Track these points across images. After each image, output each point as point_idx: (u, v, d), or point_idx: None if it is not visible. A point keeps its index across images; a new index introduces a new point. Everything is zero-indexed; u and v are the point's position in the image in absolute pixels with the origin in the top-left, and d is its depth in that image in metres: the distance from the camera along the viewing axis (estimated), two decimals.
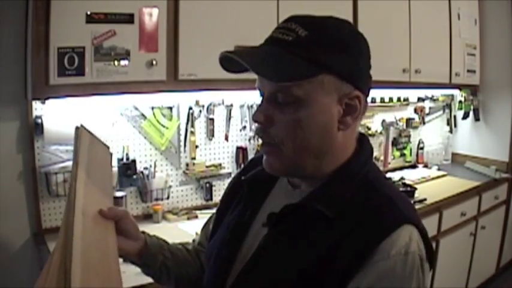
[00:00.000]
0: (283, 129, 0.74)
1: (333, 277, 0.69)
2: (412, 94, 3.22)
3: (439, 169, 3.21)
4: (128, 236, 0.89)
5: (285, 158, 0.75)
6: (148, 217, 2.10)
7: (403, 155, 3.26)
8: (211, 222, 1.00)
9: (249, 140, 2.38)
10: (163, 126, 2.09)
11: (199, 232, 1.88)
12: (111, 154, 0.99)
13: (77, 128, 0.87)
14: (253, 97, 2.25)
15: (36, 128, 1.77)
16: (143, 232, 0.95)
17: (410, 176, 2.94)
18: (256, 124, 0.77)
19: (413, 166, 3.31)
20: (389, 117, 3.12)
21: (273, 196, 0.86)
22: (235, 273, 0.80)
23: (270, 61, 0.72)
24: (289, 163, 0.76)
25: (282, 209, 0.77)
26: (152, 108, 2.06)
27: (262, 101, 0.76)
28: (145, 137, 2.08)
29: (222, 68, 0.78)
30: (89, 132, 0.88)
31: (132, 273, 1.18)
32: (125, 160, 2.00)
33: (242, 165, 2.13)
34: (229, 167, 2.34)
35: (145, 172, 2.07)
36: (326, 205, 0.74)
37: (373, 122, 3.04)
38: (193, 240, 1.08)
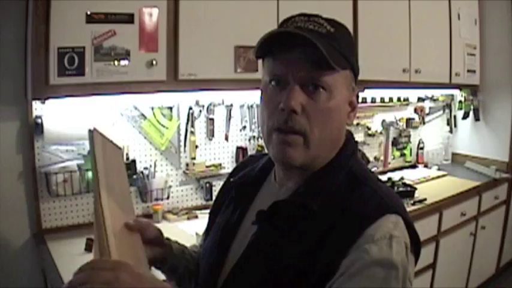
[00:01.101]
0: (314, 116, 0.75)
1: (321, 268, 0.69)
2: (412, 94, 3.22)
3: (439, 169, 3.21)
4: (154, 243, 0.89)
5: (308, 148, 0.76)
6: (148, 217, 2.09)
7: (403, 155, 3.26)
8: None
9: (249, 140, 2.38)
10: (163, 126, 2.09)
11: (199, 232, 1.89)
12: (122, 155, 0.97)
13: (90, 131, 0.85)
14: (253, 97, 2.25)
15: (36, 128, 1.77)
16: (167, 238, 0.96)
17: (410, 176, 2.94)
18: (279, 115, 0.75)
19: (413, 166, 3.31)
20: (389, 117, 3.12)
21: (261, 195, 0.88)
22: (226, 272, 0.82)
23: (325, 49, 0.72)
24: (310, 154, 0.77)
25: (270, 206, 0.79)
26: (152, 108, 2.06)
27: (292, 89, 0.74)
28: (145, 137, 2.08)
29: (258, 49, 0.77)
30: (101, 134, 0.86)
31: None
32: (125, 160, 1.99)
33: None
34: (229, 167, 2.34)
35: (145, 172, 2.07)
36: (312, 200, 0.75)
37: (373, 122, 3.04)
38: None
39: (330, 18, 0.79)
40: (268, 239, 0.78)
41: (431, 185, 2.85)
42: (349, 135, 0.85)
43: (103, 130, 0.87)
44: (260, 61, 0.82)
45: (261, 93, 0.80)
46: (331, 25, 0.77)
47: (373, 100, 2.94)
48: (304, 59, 0.73)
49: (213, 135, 2.27)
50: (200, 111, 2.22)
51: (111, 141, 0.96)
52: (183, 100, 2.15)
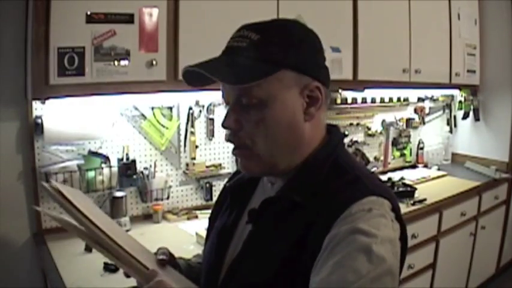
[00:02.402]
0: (252, 130, 0.78)
1: (309, 254, 0.70)
2: (412, 94, 3.22)
3: (439, 169, 3.21)
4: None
5: (258, 158, 0.79)
6: (148, 217, 2.10)
7: (403, 155, 3.26)
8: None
9: None
10: (163, 126, 2.09)
11: (199, 232, 1.89)
12: (83, 195, 0.94)
13: (44, 187, 0.80)
14: None
15: (36, 128, 1.77)
16: (180, 259, 0.98)
17: (410, 176, 2.93)
18: (226, 131, 0.81)
19: (413, 166, 3.31)
20: (389, 117, 3.12)
21: (256, 196, 0.90)
22: (224, 273, 0.83)
23: (229, 67, 0.76)
24: (264, 162, 0.79)
25: (260, 204, 0.81)
26: (152, 108, 2.06)
27: (228, 109, 0.80)
28: (145, 137, 2.08)
29: (186, 83, 0.84)
30: (54, 188, 0.78)
31: None
32: (124, 160, 2.00)
33: None
34: (229, 167, 2.34)
35: (145, 172, 2.06)
36: (299, 193, 0.77)
37: (373, 122, 3.04)
38: None
39: (263, 23, 0.80)
40: (261, 236, 0.79)
41: (431, 185, 2.85)
42: (332, 130, 0.86)
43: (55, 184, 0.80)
44: None
45: None
46: (257, 32, 0.77)
47: (373, 100, 2.93)
48: (227, 82, 0.78)
49: (213, 135, 2.27)
50: (200, 111, 2.22)
51: (73, 189, 0.94)
52: (183, 100, 2.15)
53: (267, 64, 0.75)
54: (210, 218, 1.01)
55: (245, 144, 0.79)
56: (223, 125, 0.80)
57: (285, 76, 0.76)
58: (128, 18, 1.66)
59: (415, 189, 2.56)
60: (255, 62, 0.75)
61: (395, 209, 0.76)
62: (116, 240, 0.73)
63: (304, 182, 0.79)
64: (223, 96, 0.83)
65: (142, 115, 2.05)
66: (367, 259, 0.65)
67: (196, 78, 0.80)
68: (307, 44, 0.81)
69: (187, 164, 2.21)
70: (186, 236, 1.89)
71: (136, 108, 2.03)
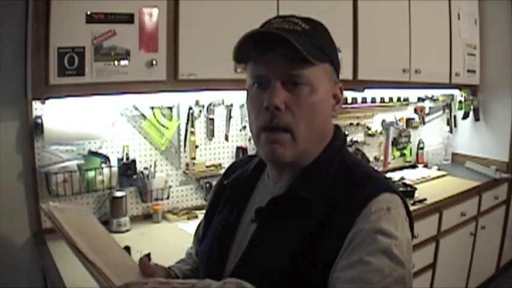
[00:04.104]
0: (299, 112, 0.76)
1: (324, 253, 0.71)
2: (412, 94, 3.22)
3: (439, 169, 3.21)
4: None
5: (295, 144, 0.77)
6: (148, 217, 2.10)
7: (403, 155, 3.26)
8: (200, 229, 1.03)
9: (249, 140, 2.37)
10: (163, 126, 2.09)
11: None
12: (89, 211, 0.96)
13: (43, 210, 0.83)
14: None
15: (36, 128, 1.77)
16: (169, 268, 0.98)
17: (410, 176, 2.94)
18: (266, 111, 0.76)
19: (413, 166, 3.31)
20: (389, 117, 3.12)
21: (257, 194, 0.89)
22: (229, 271, 0.82)
23: (295, 40, 0.73)
24: (299, 150, 0.78)
25: (268, 202, 0.80)
26: (152, 108, 2.06)
27: (275, 88, 0.76)
28: (145, 137, 2.08)
29: (236, 53, 0.79)
30: (58, 207, 0.83)
31: None
32: (124, 160, 2.00)
33: None
34: None
35: (145, 172, 2.06)
36: (308, 191, 0.77)
37: (373, 122, 3.04)
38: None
39: (306, 17, 0.81)
40: (269, 235, 0.79)
41: (431, 185, 2.85)
42: (337, 128, 0.88)
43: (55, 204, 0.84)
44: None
45: (247, 97, 0.84)
46: (306, 23, 0.79)
47: (373, 100, 2.94)
48: (282, 57, 0.75)
49: (213, 135, 2.27)
50: (200, 111, 2.22)
51: (70, 207, 0.97)
52: (183, 100, 2.15)
53: (319, 52, 0.77)
54: (205, 215, 1.00)
55: (289, 126, 0.76)
56: (270, 104, 0.75)
57: (329, 69, 0.81)
58: (128, 18, 1.66)
59: (415, 189, 2.56)
60: (314, 47, 0.76)
61: (406, 205, 0.78)
62: (95, 262, 0.76)
63: (314, 180, 0.79)
64: (260, 73, 0.78)
65: (142, 115, 2.05)
66: (389, 259, 0.67)
67: (246, 52, 0.78)
68: (335, 47, 0.85)
69: (187, 164, 2.21)
70: (186, 236, 1.88)
71: (136, 108, 2.03)
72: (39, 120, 1.76)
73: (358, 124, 2.92)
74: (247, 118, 2.57)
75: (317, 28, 0.81)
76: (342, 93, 0.84)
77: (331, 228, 0.72)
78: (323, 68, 0.78)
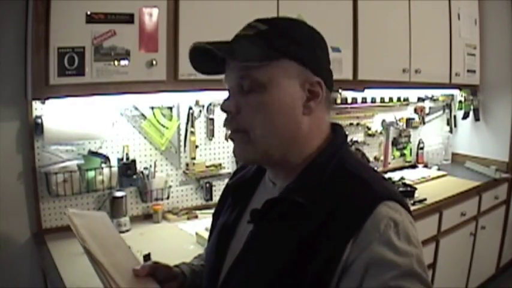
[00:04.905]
0: (250, 114, 0.78)
1: (318, 262, 0.69)
2: (412, 94, 3.22)
3: (439, 169, 3.21)
4: (167, 279, 0.91)
5: (253, 144, 0.79)
6: (148, 217, 2.10)
7: (403, 155, 3.26)
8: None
9: None
10: (163, 126, 2.09)
11: (199, 232, 1.89)
12: (107, 216, 1.01)
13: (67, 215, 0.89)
14: None
15: (36, 128, 1.77)
16: (177, 266, 0.98)
17: (410, 176, 2.94)
18: (225, 116, 0.81)
19: (413, 166, 3.31)
20: (389, 117, 3.12)
21: (258, 195, 0.89)
22: (225, 273, 0.82)
23: (235, 47, 0.77)
24: (258, 149, 0.79)
25: (263, 204, 0.80)
26: (152, 108, 2.06)
27: (229, 94, 0.81)
28: (145, 137, 2.09)
29: (192, 67, 0.84)
30: (77, 213, 0.90)
31: None
32: (124, 160, 2.00)
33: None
34: (229, 167, 2.34)
35: (145, 172, 2.06)
36: (302, 195, 0.76)
37: (373, 122, 3.04)
38: None
39: (272, 18, 0.82)
40: (263, 237, 0.79)
41: (431, 185, 2.85)
42: (335, 128, 0.86)
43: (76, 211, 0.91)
44: None
45: None
46: (266, 24, 0.79)
47: (373, 100, 2.94)
48: (231, 64, 0.80)
49: (213, 135, 2.27)
50: (200, 111, 2.22)
51: (91, 214, 1.04)
52: (183, 100, 2.15)
53: (271, 51, 0.77)
54: (213, 216, 1.01)
55: (243, 128, 0.79)
56: (222, 108, 0.80)
57: (288, 66, 0.77)
58: (128, 18, 1.66)
59: (415, 189, 2.56)
60: (261, 47, 0.76)
61: (408, 210, 0.75)
62: (111, 273, 0.80)
63: (307, 183, 0.78)
64: (224, 83, 0.84)
65: (142, 115, 2.05)
66: (418, 281, 0.66)
67: (206, 63, 0.83)
68: (313, 42, 0.82)
69: (187, 164, 2.21)
70: (186, 236, 1.89)
71: (136, 108, 2.03)
72: (39, 120, 1.76)
73: (358, 124, 2.92)
74: None
75: (277, 26, 0.79)
76: (321, 88, 0.79)
77: (326, 240, 0.70)
78: (280, 65, 0.77)
